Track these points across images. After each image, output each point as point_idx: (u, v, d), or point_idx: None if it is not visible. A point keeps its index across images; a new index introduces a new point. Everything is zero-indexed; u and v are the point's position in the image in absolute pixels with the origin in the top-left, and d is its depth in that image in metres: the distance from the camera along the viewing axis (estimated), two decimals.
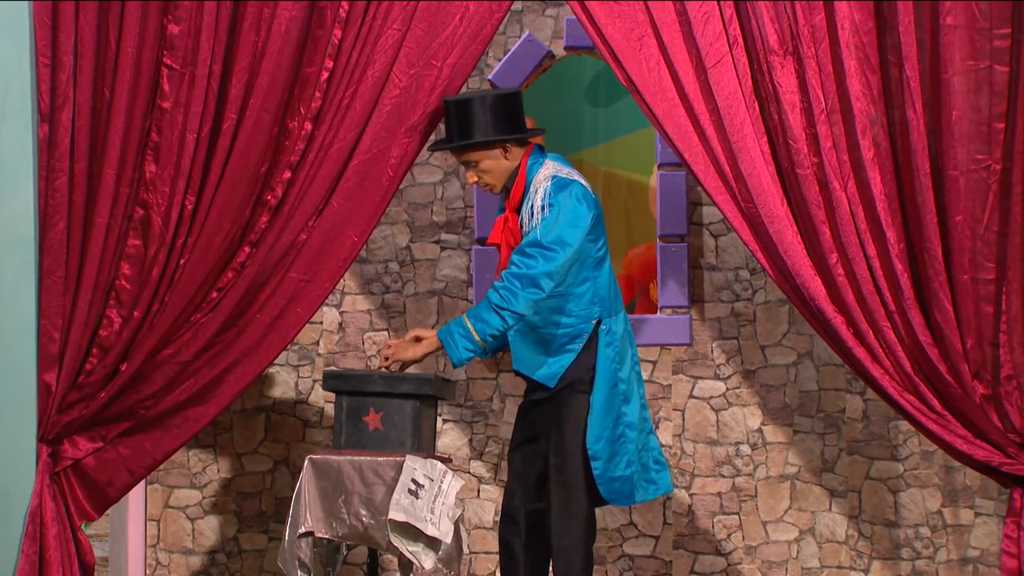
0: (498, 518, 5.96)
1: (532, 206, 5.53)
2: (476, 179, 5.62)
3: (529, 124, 7.15)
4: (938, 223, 5.47)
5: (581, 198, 5.53)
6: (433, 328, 6.13)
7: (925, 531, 6.99)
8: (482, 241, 7.06)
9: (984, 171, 5.46)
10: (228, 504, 7.14)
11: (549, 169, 5.60)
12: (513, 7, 6.21)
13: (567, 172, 5.62)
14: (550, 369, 5.61)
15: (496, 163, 5.59)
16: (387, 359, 5.73)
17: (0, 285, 5.60)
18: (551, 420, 5.62)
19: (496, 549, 7.09)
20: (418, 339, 5.64)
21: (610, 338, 5.61)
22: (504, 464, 7.09)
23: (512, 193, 5.62)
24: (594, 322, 5.60)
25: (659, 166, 7.06)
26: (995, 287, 5.47)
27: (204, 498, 7.14)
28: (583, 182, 5.63)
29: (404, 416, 6.27)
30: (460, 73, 5.64)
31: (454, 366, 5.61)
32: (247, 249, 5.62)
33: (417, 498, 6.05)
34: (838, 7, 5.48)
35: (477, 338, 5.48)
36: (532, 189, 5.56)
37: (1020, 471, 5.46)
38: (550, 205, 5.49)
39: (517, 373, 5.75)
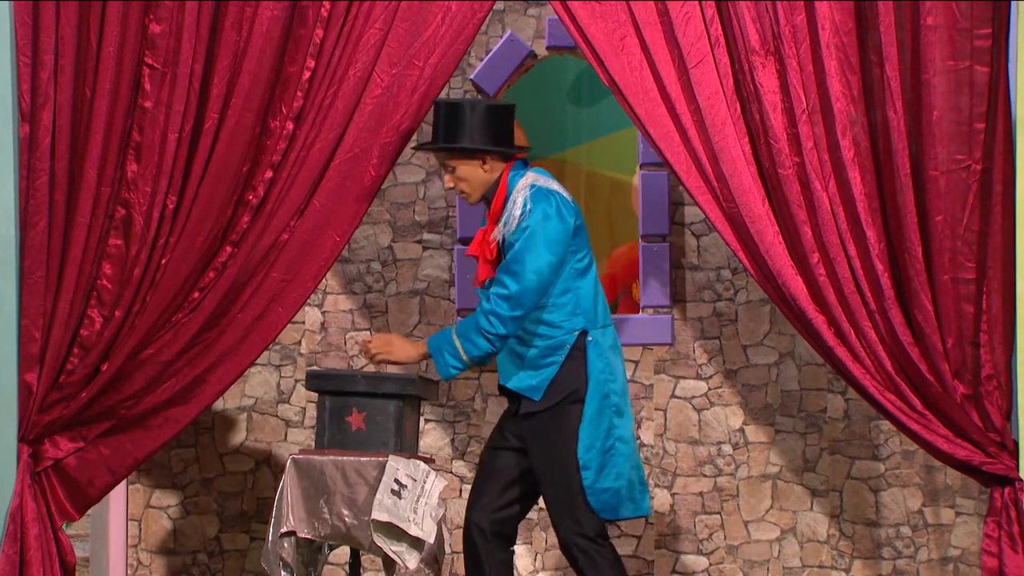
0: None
1: (510, 215, 5.49)
2: (453, 184, 5.60)
3: (519, 136, 7.17)
4: (918, 223, 5.48)
5: (560, 210, 5.49)
6: (415, 330, 6.10)
7: (906, 530, 7.00)
8: (464, 241, 7.06)
9: (964, 171, 5.47)
10: (209, 504, 7.13)
11: (528, 179, 5.56)
12: (495, 7, 6.19)
13: (545, 182, 5.57)
14: (532, 381, 5.55)
15: (473, 172, 5.56)
16: (374, 355, 5.71)
17: None
18: (547, 434, 5.55)
19: None
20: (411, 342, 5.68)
21: (599, 349, 5.55)
22: None
23: (493, 205, 5.58)
24: (576, 333, 5.54)
25: (641, 166, 7.06)
26: (975, 287, 5.49)
27: (185, 498, 7.13)
28: (564, 193, 5.60)
29: (387, 416, 6.27)
30: (442, 73, 5.63)
31: (441, 379, 5.64)
32: (228, 249, 5.62)
33: (400, 498, 6.05)
34: (819, 7, 5.49)
35: (465, 358, 5.52)
36: (511, 200, 5.52)
37: (1000, 470, 5.47)
38: (529, 216, 5.45)
39: (502, 389, 5.69)
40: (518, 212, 5.48)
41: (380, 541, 6.04)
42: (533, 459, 5.62)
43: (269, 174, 5.61)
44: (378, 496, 6.03)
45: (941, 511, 6.97)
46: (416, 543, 6.05)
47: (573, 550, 5.59)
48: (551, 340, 5.52)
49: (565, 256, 5.51)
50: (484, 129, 5.52)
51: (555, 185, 5.61)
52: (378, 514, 6.01)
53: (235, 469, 7.13)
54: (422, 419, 7.02)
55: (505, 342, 5.49)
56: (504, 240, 5.52)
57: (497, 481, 5.71)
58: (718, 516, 7.05)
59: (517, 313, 5.43)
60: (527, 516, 7.11)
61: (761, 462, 7.05)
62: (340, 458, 6.15)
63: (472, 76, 7.09)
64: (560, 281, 5.52)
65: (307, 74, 5.59)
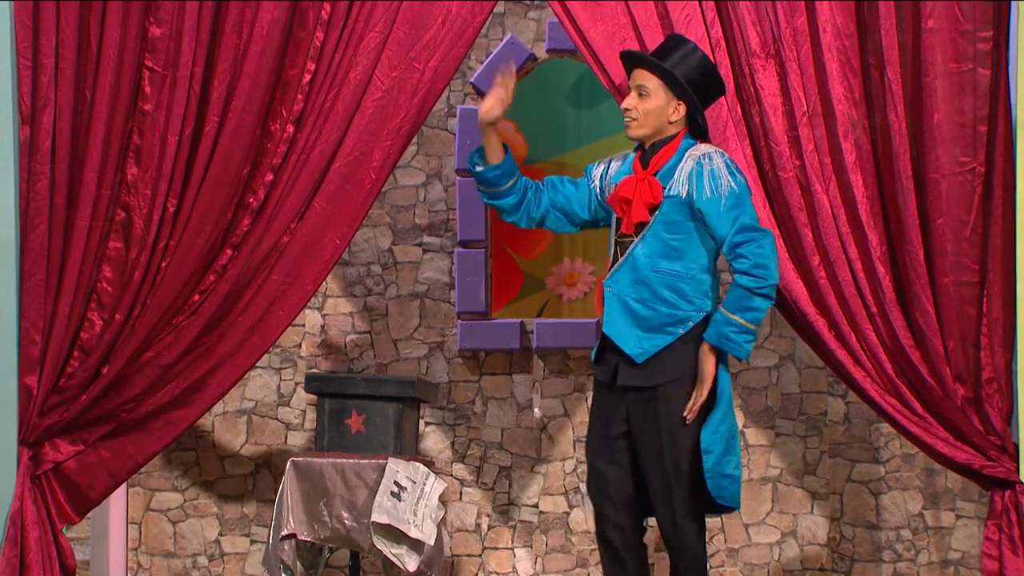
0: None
1: (710, 171, 5.27)
2: (633, 107, 5.36)
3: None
4: (920, 226, 5.48)
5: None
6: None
7: (906, 533, 7.00)
8: (465, 244, 7.06)
9: (969, 174, 5.47)
10: (210, 507, 7.12)
11: (711, 147, 5.38)
12: (495, 9, 6.19)
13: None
14: (641, 346, 5.31)
15: (661, 109, 5.35)
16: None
17: None
18: (659, 420, 5.30)
19: (479, 552, 7.09)
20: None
21: None
22: (486, 467, 7.09)
23: (657, 157, 5.35)
24: (703, 315, 5.33)
25: None
26: (976, 290, 5.49)
27: (186, 501, 7.13)
28: None
29: (386, 419, 6.28)
30: (442, 75, 5.63)
31: (741, 359, 5.33)
32: (229, 252, 5.61)
33: (400, 500, 6.05)
34: (820, 10, 5.49)
35: (752, 327, 5.25)
36: (702, 156, 5.30)
37: (1001, 473, 5.47)
38: (738, 181, 5.29)
39: (604, 340, 5.40)
40: (725, 174, 5.27)
41: (380, 543, 6.04)
42: (641, 435, 5.33)
43: (269, 177, 5.61)
44: (378, 498, 6.03)
45: (941, 514, 6.97)
46: (416, 545, 6.05)
47: (666, 538, 5.34)
48: (677, 312, 5.31)
49: None
50: (701, 84, 5.34)
51: None
52: (378, 516, 6.01)
53: (235, 472, 7.13)
54: (422, 422, 7.02)
55: (775, 290, 5.28)
56: (693, 195, 5.29)
57: (624, 486, 5.39)
58: (718, 519, 7.04)
59: (774, 256, 5.26)
60: (528, 519, 7.12)
61: (761, 465, 7.04)
62: (340, 461, 6.15)
63: (472, 79, 7.09)
64: (708, 258, 5.36)
65: (307, 77, 5.59)
